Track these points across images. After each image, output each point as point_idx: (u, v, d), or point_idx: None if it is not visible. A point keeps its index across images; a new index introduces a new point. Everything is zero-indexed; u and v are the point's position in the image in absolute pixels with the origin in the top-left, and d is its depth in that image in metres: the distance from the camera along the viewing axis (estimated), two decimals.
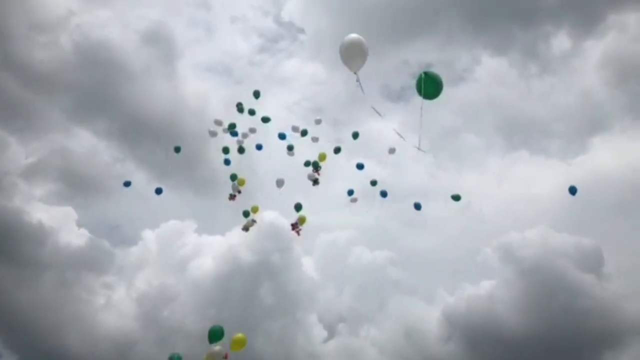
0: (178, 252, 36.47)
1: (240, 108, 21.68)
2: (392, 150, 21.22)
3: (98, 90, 36.35)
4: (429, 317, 34.70)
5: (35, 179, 36.38)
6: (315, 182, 21.75)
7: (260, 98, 21.89)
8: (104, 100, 36.37)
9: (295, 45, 51.34)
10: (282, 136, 21.99)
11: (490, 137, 45.91)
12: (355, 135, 21.65)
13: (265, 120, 21.83)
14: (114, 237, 44.82)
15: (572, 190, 20.72)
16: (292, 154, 21.89)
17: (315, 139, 21.71)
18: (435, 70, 13.37)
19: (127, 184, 23.31)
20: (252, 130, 21.82)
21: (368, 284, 36.47)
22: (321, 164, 21.83)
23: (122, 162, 38.62)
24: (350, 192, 22.38)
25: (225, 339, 15.40)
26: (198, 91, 41.89)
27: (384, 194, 21.84)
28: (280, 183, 21.95)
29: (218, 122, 21.96)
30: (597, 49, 42.85)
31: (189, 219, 37.79)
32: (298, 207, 22.04)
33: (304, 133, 21.77)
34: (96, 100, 36.32)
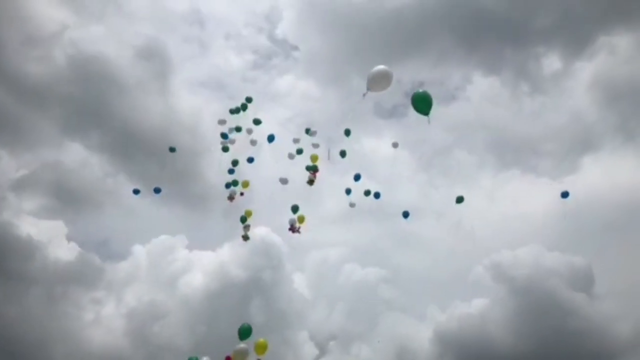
0: (168, 267, 36.25)
1: (243, 107, 21.99)
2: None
3: (91, 104, 36.39)
4: (420, 335, 34.58)
5: (25, 192, 36.23)
6: (311, 182, 21.92)
7: (251, 102, 22.17)
8: (97, 114, 36.41)
9: (288, 62, 51.70)
10: (270, 138, 22.14)
11: (482, 156, 46.20)
12: (343, 154, 21.91)
13: (256, 122, 22.10)
14: (104, 251, 44.65)
15: (564, 195, 21.39)
16: (293, 157, 22.17)
17: (316, 145, 22.01)
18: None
19: (136, 191, 23.36)
20: (249, 131, 22.03)
21: (359, 302, 36.33)
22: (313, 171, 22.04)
23: (113, 176, 38.54)
24: (348, 191, 22.44)
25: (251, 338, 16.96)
26: (191, 106, 42.03)
27: (377, 195, 22.06)
28: (284, 181, 22.18)
29: (222, 122, 22.13)
30: (587, 70, 43.51)
31: (180, 234, 37.69)
32: (295, 208, 22.10)
33: (300, 152, 22.08)
34: (89, 114, 36.38)
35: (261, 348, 17.01)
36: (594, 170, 42.49)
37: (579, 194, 39.69)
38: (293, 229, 22.03)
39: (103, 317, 33.12)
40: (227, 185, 22.09)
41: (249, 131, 22.08)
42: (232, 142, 22.00)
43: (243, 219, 21.95)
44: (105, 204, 37.77)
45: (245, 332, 17.07)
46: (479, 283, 35.35)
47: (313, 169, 21.85)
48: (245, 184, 22.13)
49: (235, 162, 22.01)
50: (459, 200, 21.25)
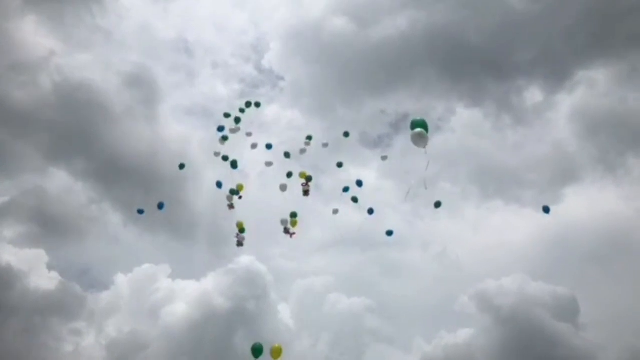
0: (151, 297, 35.68)
1: (244, 108, 22.72)
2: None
3: (77, 130, 36.34)
4: None
5: (5, 219, 35.64)
6: (306, 193, 22.45)
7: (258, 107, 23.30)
8: (83, 141, 36.29)
9: (275, 91, 52.17)
10: (269, 146, 23.04)
11: (466, 186, 46.57)
12: (340, 165, 22.82)
13: (257, 105, 23.14)
14: (86, 280, 43.71)
15: (546, 210, 21.66)
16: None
17: (325, 145, 23.15)
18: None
19: (140, 211, 23.01)
20: (249, 134, 22.74)
21: (345, 332, 35.92)
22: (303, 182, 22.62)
23: (98, 203, 38.18)
24: (346, 189, 22.77)
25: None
26: (178, 134, 42.11)
27: (370, 211, 22.51)
28: (283, 188, 22.58)
29: (227, 115, 22.83)
30: (567, 102, 44.48)
31: (164, 263, 37.31)
32: (293, 215, 22.23)
33: (289, 175, 22.58)
34: (74, 140, 36.26)
35: (276, 352, 18.26)
36: (576, 200, 43.11)
37: (562, 224, 40.39)
38: (288, 231, 22.14)
39: (83, 348, 32.41)
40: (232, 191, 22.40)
41: (249, 134, 22.73)
42: (236, 130, 22.49)
43: (233, 191, 22.26)
44: (89, 231, 37.31)
45: (257, 351, 18.35)
46: (464, 313, 35.29)
47: (307, 179, 22.31)
48: (241, 187, 22.46)
49: (234, 164, 22.32)
50: (437, 205, 21.47)
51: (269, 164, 23.14)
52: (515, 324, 32.50)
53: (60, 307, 33.08)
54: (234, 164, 22.17)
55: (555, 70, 43.50)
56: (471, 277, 38.32)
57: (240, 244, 22.11)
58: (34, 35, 39.10)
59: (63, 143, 36.59)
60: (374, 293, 40.08)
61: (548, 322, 31.84)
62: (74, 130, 36.17)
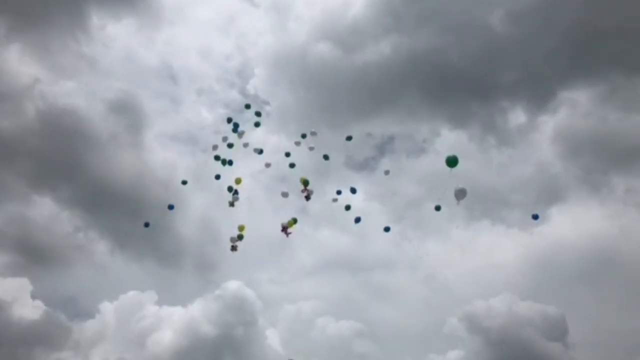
0: (137, 325, 35.14)
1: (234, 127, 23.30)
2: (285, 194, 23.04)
3: (61, 157, 36.04)
4: None
5: None
6: (307, 198, 22.72)
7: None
8: (68, 168, 35.99)
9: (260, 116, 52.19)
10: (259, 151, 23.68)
11: (452, 208, 46.68)
12: (348, 208, 23.08)
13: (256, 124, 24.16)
14: (71, 309, 43.09)
15: (535, 217, 22.83)
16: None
17: (311, 148, 23.54)
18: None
19: (146, 225, 23.22)
20: (245, 145, 23.37)
21: (334, 357, 35.62)
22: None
23: (84, 231, 37.78)
24: (345, 191, 23.30)
25: None
26: (163, 160, 41.95)
27: (357, 220, 22.93)
28: (285, 195, 23.23)
29: (229, 120, 23.66)
30: (550, 123, 45.07)
31: (150, 290, 36.88)
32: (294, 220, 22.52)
33: (285, 195, 23.16)
34: (59, 167, 35.92)
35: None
36: (561, 220, 43.42)
37: (549, 244, 40.65)
38: (285, 230, 22.25)
39: None
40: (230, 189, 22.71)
41: (245, 145, 23.38)
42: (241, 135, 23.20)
43: (230, 189, 22.65)
44: (74, 260, 36.84)
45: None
46: (453, 335, 35.18)
47: (305, 184, 22.65)
48: (238, 181, 22.79)
49: (225, 162, 22.85)
50: (437, 208, 22.01)
51: (268, 165, 23.79)
52: (505, 344, 32.46)
53: (44, 337, 32.49)
54: (228, 162, 22.82)
55: (538, 91, 44.21)
56: (460, 298, 38.33)
57: (234, 248, 22.18)
58: (18, 64, 39.03)
59: (47, 171, 36.34)
60: (363, 316, 39.88)
61: (537, 342, 31.83)
62: (58, 157, 35.94)
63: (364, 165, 49.24)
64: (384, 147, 47.36)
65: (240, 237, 22.06)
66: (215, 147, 23.03)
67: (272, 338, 35.76)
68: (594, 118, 42.80)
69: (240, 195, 22.61)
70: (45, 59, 41.12)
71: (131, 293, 36.43)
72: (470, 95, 45.14)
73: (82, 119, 37.79)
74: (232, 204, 22.54)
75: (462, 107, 45.68)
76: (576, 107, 43.87)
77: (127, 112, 41.24)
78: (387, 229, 23.37)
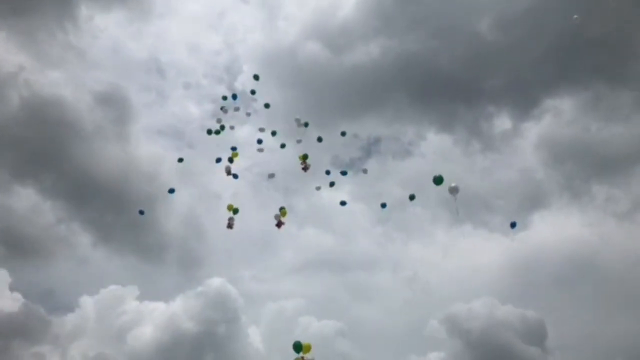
0: (117, 320, 34.81)
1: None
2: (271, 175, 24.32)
3: (45, 147, 35.47)
4: None
5: None
6: (305, 169, 23.35)
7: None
8: (52, 158, 35.53)
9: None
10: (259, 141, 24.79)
11: (436, 210, 47.06)
12: (343, 203, 24.18)
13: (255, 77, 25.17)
14: (50, 302, 42.31)
15: (513, 225, 23.29)
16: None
17: (299, 141, 24.44)
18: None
19: (171, 190, 23.79)
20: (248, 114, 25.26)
21: (315, 356, 35.54)
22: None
23: (66, 223, 37.31)
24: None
25: None
26: (149, 154, 41.60)
27: (343, 203, 24.05)
28: (271, 176, 24.20)
29: (224, 98, 24.85)
30: (534, 130, 45.58)
31: (132, 285, 36.57)
32: (282, 210, 22.81)
33: (281, 210, 23.07)
34: (43, 157, 35.37)
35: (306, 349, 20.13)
36: (543, 226, 43.91)
37: (530, 249, 41.12)
38: (279, 224, 22.53)
39: None
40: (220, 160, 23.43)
41: (248, 114, 25.31)
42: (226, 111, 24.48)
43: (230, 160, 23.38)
44: (55, 252, 36.35)
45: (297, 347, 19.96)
46: (434, 336, 35.43)
47: (304, 158, 23.31)
48: (235, 155, 23.44)
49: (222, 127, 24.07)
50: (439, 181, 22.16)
51: (260, 150, 24.73)
52: (484, 347, 32.77)
53: (22, 330, 31.94)
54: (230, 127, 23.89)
55: (523, 98, 44.69)
56: (441, 300, 38.64)
57: (230, 226, 22.37)
58: (3, 51, 38.42)
59: (31, 160, 35.74)
60: (344, 316, 40.04)
61: (517, 346, 32.19)
62: (42, 147, 35.39)
63: (350, 166, 49.35)
64: (370, 148, 47.49)
65: (235, 212, 22.18)
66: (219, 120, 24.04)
67: (254, 336, 35.72)
68: (577, 126, 43.43)
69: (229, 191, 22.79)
70: (32, 48, 40.54)
71: (112, 287, 36.15)
72: (457, 100, 45.51)
73: (67, 110, 37.38)
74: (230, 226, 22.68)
75: (449, 111, 46.09)
76: (560, 115, 44.51)
77: (114, 104, 40.85)
78: (383, 205, 23.67)
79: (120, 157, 38.41)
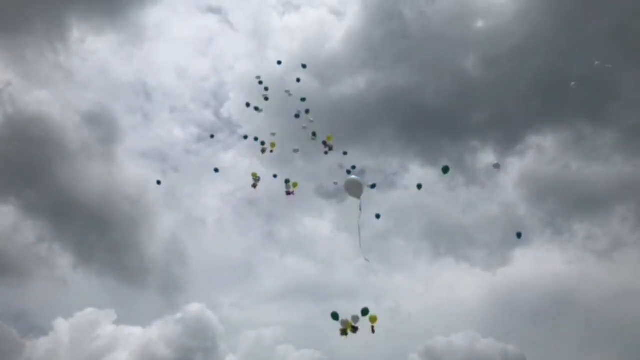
0: (91, 344, 33.94)
1: None
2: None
3: (28, 164, 35.10)
4: None
5: None
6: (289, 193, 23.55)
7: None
8: (34, 175, 35.06)
9: (232, 138, 51.85)
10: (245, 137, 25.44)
11: (418, 243, 47.15)
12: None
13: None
14: (23, 325, 41.19)
15: (519, 235, 23.59)
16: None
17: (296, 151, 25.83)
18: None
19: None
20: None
21: None
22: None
23: (48, 242, 36.64)
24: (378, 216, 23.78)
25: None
26: (134, 177, 41.35)
27: (378, 216, 23.79)
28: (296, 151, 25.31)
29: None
30: (517, 165, 46.15)
31: (109, 308, 35.81)
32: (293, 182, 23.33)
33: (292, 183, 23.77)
34: (25, 174, 34.91)
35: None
36: (524, 262, 44.09)
37: (511, 284, 41.23)
38: (289, 192, 23.16)
39: None
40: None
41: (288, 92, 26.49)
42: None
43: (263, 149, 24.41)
44: (32, 272, 35.65)
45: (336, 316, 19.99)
46: None
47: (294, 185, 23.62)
48: (273, 145, 24.68)
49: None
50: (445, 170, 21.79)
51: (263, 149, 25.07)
52: None
53: None
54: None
55: (507, 134, 45.33)
56: (422, 333, 38.41)
57: (254, 185, 23.25)
58: None
59: (13, 177, 35.30)
60: (324, 346, 39.32)
61: None
62: (25, 164, 35.03)
63: (334, 195, 49.43)
64: None
65: (288, 181, 23.00)
66: None
67: None
68: (558, 164, 44.13)
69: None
70: (20, 66, 40.59)
71: (88, 310, 35.38)
72: (442, 134, 46.09)
73: (52, 128, 37.24)
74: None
75: (433, 144, 46.56)
76: (543, 152, 45.20)
77: (99, 124, 40.83)
78: (377, 216, 23.75)
79: (104, 177, 38.23)
